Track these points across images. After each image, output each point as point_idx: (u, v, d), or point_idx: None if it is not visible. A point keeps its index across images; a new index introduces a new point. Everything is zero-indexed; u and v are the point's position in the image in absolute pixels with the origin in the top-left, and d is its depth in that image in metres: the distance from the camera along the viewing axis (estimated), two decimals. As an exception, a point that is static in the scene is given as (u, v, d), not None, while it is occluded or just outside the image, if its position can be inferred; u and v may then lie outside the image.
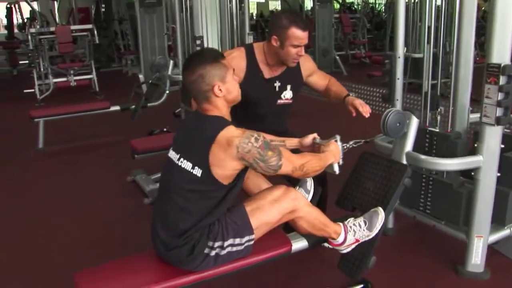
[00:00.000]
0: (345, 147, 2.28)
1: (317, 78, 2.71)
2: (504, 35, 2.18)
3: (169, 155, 1.98)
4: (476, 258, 2.46)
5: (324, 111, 6.31)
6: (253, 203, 1.95)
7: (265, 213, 1.93)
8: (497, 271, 2.54)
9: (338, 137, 2.24)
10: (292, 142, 2.33)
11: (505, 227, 2.52)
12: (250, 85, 2.51)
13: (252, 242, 1.92)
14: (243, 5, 5.33)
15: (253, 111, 2.60)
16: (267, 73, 2.55)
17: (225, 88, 1.90)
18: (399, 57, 2.68)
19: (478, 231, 2.42)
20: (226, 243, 1.86)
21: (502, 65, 2.17)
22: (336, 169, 2.18)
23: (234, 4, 5.12)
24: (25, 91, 7.64)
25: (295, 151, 2.19)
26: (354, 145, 2.34)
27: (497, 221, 2.50)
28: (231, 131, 1.83)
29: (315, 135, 2.29)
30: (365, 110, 2.40)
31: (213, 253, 1.85)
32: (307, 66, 2.66)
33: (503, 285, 2.50)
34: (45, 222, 3.36)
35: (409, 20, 6.11)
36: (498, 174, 2.38)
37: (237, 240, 1.88)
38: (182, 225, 1.84)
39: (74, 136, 5.53)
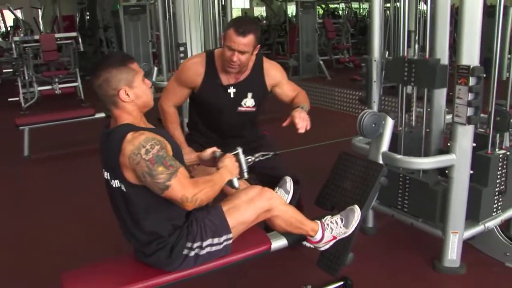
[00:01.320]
0: (249, 160, 2.17)
1: (285, 90, 2.69)
2: (473, 37, 2.27)
3: (103, 172, 1.91)
4: (452, 254, 2.53)
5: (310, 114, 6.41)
6: (230, 203, 2.00)
7: (241, 212, 1.98)
8: (473, 266, 2.61)
9: (239, 150, 2.11)
10: (191, 157, 2.25)
11: (480, 223, 2.59)
12: (207, 91, 2.57)
13: (230, 241, 1.96)
14: (225, 11, 5.41)
15: (216, 118, 2.64)
16: (225, 80, 2.56)
17: (132, 93, 1.82)
18: (375, 61, 2.75)
19: (453, 227, 2.49)
20: (205, 243, 1.90)
21: (471, 66, 2.25)
22: (236, 184, 2.03)
23: (217, 11, 5.19)
24: (9, 99, 7.62)
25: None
26: (261, 158, 2.25)
27: (472, 218, 2.58)
28: (128, 139, 1.73)
29: (214, 148, 2.18)
30: (301, 125, 2.36)
31: (192, 253, 1.89)
32: (273, 75, 2.64)
33: (478, 279, 2.57)
34: (33, 228, 3.38)
35: (390, 24, 6.22)
36: (471, 172, 2.46)
37: (216, 240, 1.92)
38: (151, 237, 1.86)
39: (60, 144, 5.53)
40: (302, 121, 2.37)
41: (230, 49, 2.38)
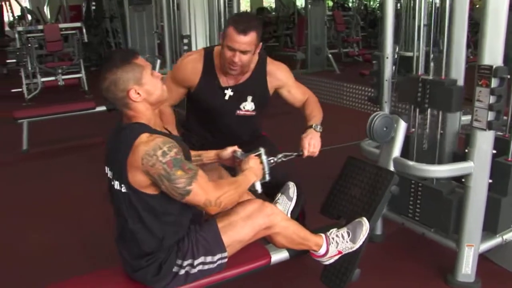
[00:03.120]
0: (271, 161, 2.04)
1: (294, 93, 2.50)
2: (496, 35, 2.07)
3: (106, 171, 1.78)
4: (467, 268, 2.36)
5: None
6: (226, 219, 1.83)
7: (237, 230, 1.81)
8: (488, 280, 2.43)
9: (262, 150, 1.99)
10: (209, 154, 2.11)
11: (497, 235, 2.41)
12: (204, 92, 2.40)
13: (225, 260, 1.80)
14: (231, 2, 5.23)
15: (213, 120, 2.48)
16: (224, 81, 2.39)
17: (143, 91, 1.68)
18: (387, 57, 2.56)
19: (468, 240, 2.31)
20: (196, 261, 1.74)
21: (494, 67, 2.06)
22: (259, 187, 1.93)
23: (222, 2, 5.03)
24: (12, 90, 7.49)
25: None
26: (283, 159, 2.12)
27: (489, 229, 2.40)
28: (141, 138, 1.61)
29: (235, 147, 2.06)
30: (311, 151, 2.21)
31: (182, 271, 1.74)
32: (278, 77, 2.45)
33: (494, 295, 2.41)
34: (28, 225, 3.26)
35: (402, 18, 6.01)
36: (490, 181, 2.27)
37: (209, 258, 1.76)
38: (143, 247, 1.71)
39: (60, 137, 5.40)
40: (310, 148, 2.21)
41: (230, 49, 2.20)
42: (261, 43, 2.30)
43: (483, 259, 2.53)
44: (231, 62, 2.22)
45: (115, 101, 1.71)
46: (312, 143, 2.21)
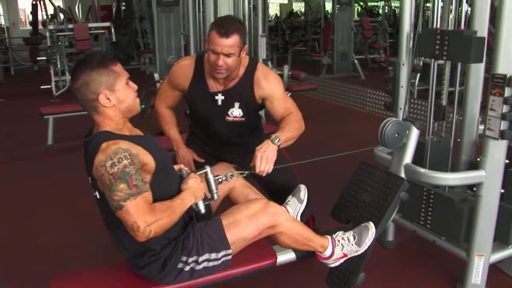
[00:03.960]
0: (220, 179, 1.95)
1: (275, 105, 2.36)
2: (511, 43, 2.06)
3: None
4: (477, 278, 2.34)
5: (335, 115, 6.23)
6: (230, 217, 1.86)
7: (242, 228, 1.83)
8: (499, 292, 2.41)
9: (208, 169, 1.92)
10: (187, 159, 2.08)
11: (509, 246, 2.39)
12: (194, 96, 2.42)
13: (229, 257, 1.83)
14: (256, 5, 5.26)
15: (205, 124, 2.50)
16: (212, 86, 2.38)
17: (114, 97, 1.68)
18: (403, 64, 2.55)
19: (479, 250, 2.29)
20: (201, 258, 1.78)
21: (507, 76, 2.04)
22: (202, 208, 1.82)
23: (247, 4, 5.06)
24: (41, 87, 7.68)
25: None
26: (235, 178, 2.05)
27: (501, 239, 2.37)
28: (102, 148, 1.59)
29: (181, 166, 1.98)
30: (259, 170, 2.05)
31: (187, 268, 1.77)
32: (262, 85, 2.35)
33: (504, 307, 2.38)
34: (50, 219, 3.35)
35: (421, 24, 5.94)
36: (502, 191, 2.25)
37: (213, 255, 1.79)
38: (143, 249, 1.73)
39: (84, 134, 5.49)
40: (261, 163, 2.05)
41: (214, 52, 2.18)
42: (246, 46, 2.29)
43: (495, 270, 2.51)
44: (216, 65, 2.21)
45: (85, 103, 1.70)
46: (264, 158, 2.06)
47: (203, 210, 1.83)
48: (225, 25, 2.15)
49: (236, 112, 2.39)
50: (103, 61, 1.68)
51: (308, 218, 2.42)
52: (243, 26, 2.30)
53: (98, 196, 1.70)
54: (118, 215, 1.58)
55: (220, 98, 2.38)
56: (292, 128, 2.26)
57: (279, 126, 2.30)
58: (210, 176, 1.91)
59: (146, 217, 1.56)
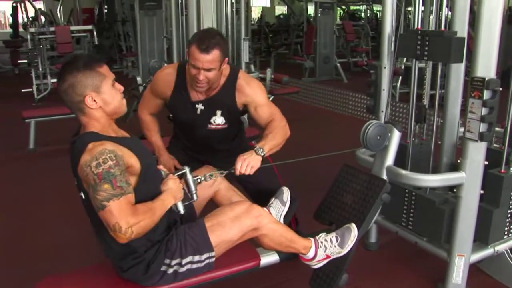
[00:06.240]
0: (199, 179, 2.00)
1: (259, 112, 2.38)
2: (490, 47, 2.09)
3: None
4: (457, 278, 2.37)
5: (318, 118, 6.26)
6: (214, 219, 1.86)
7: (225, 230, 1.84)
8: (479, 292, 2.45)
9: (187, 169, 1.94)
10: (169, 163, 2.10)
11: (489, 246, 2.42)
12: (176, 105, 2.45)
13: (213, 259, 1.84)
14: (239, 8, 5.29)
15: (188, 132, 2.53)
16: (194, 95, 2.39)
17: (100, 99, 1.68)
18: (384, 67, 2.59)
19: (459, 250, 2.33)
20: (184, 261, 1.78)
21: (486, 79, 2.08)
22: (181, 208, 1.84)
23: (229, 8, 5.08)
24: (23, 90, 7.60)
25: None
26: (214, 178, 2.10)
27: (481, 240, 2.41)
28: (88, 149, 1.60)
29: (160, 166, 1.96)
30: (241, 172, 2.09)
31: (170, 270, 1.77)
32: (246, 92, 2.37)
33: (485, 306, 2.41)
34: (31, 223, 3.31)
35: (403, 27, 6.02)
36: (482, 192, 2.29)
37: (196, 257, 1.80)
38: (126, 250, 1.73)
39: (66, 137, 5.41)
40: (242, 167, 2.09)
41: (194, 67, 2.19)
42: (226, 58, 2.29)
43: (476, 270, 2.55)
44: (196, 79, 2.22)
45: (71, 104, 1.70)
46: (245, 164, 2.10)
47: (182, 211, 1.84)
48: (206, 41, 2.15)
49: (218, 120, 2.41)
50: (89, 63, 1.69)
51: (291, 220, 2.43)
52: (224, 39, 2.30)
53: (83, 197, 1.70)
54: (100, 216, 1.58)
55: (201, 107, 2.40)
56: (276, 135, 2.28)
57: (263, 134, 2.32)
58: (189, 177, 1.93)
59: (128, 218, 1.56)
